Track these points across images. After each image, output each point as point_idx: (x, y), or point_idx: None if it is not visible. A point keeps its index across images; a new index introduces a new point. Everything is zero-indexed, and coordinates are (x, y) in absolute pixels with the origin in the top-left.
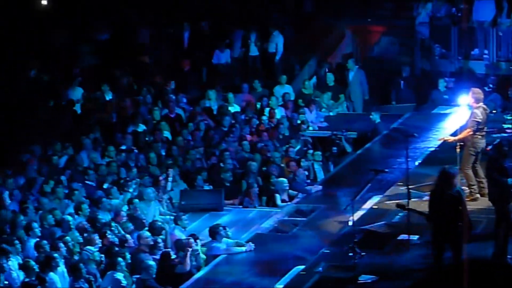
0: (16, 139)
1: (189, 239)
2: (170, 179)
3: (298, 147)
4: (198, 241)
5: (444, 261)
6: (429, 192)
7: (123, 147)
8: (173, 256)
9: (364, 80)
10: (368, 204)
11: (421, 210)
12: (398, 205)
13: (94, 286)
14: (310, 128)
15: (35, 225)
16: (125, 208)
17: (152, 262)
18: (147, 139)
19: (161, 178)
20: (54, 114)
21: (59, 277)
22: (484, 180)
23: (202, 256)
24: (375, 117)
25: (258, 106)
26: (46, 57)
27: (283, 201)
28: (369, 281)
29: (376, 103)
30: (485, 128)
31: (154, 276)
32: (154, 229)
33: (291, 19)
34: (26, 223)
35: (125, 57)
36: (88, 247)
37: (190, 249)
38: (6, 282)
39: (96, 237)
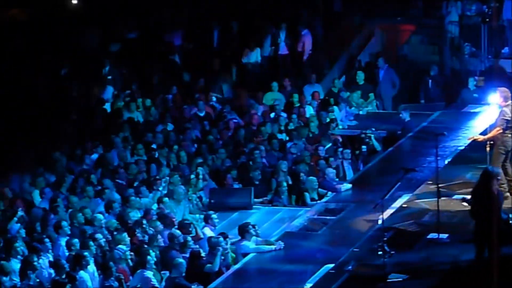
0: (46, 138)
1: (218, 237)
2: (200, 177)
3: (328, 145)
4: (227, 239)
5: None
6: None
7: (153, 146)
8: (203, 255)
9: (393, 78)
10: (398, 203)
11: (451, 209)
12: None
13: (124, 284)
14: (340, 126)
15: (65, 223)
16: (155, 206)
17: (182, 260)
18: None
19: (191, 176)
20: (84, 113)
21: (89, 275)
22: None
23: (231, 254)
24: (405, 115)
25: (288, 104)
26: (77, 56)
27: (312, 199)
28: (398, 280)
29: (405, 102)
30: None
31: (184, 274)
32: (184, 228)
33: (321, 17)
34: (55, 221)
35: (155, 56)
36: (120, 246)
37: (220, 249)
38: (38, 280)
39: (125, 235)
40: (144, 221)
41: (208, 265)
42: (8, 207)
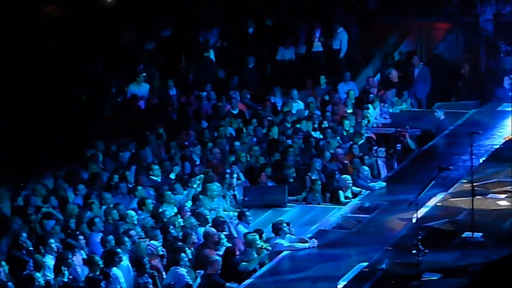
0: (80, 134)
1: (254, 235)
2: (234, 175)
3: (362, 143)
4: (263, 235)
5: None
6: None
7: (187, 143)
8: (237, 253)
9: (428, 77)
10: (432, 201)
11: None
12: None
13: (157, 281)
14: (374, 125)
15: (98, 220)
16: (189, 203)
17: (217, 257)
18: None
19: (225, 174)
20: (118, 109)
21: (123, 271)
22: None
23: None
24: (440, 114)
25: (322, 102)
26: (112, 53)
27: (346, 197)
28: (432, 278)
29: (440, 100)
30: None
31: (219, 271)
32: (218, 225)
33: (356, 15)
34: (89, 218)
35: (190, 54)
36: (152, 242)
37: (256, 248)
38: (71, 277)
39: (158, 232)
40: (178, 218)
41: (244, 263)
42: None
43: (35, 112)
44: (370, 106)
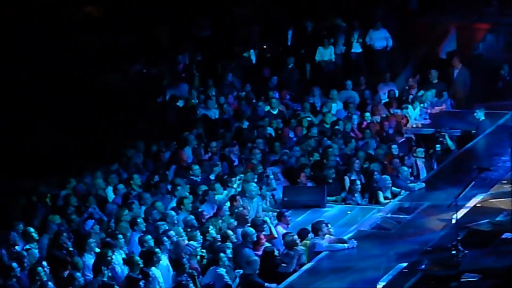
0: (120, 134)
1: (293, 235)
2: (271, 176)
3: (401, 143)
4: (309, 235)
5: None
6: None
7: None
8: (276, 253)
9: (468, 77)
10: (472, 202)
11: None
12: None
13: (197, 281)
14: (413, 125)
15: (140, 220)
16: (228, 204)
17: (256, 258)
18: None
19: (264, 174)
20: (158, 109)
21: (163, 271)
22: None
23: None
24: (479, 114)
25: (361, 103)
26: (151, 53)
27: (385, 198)
28: (472, 279)
29: (479, 101)
30: None
31: (257, 271)
32: (257, 225)
33: (396, 16)
34: (131, 218)
35: (229, 53)
36: (191, 242)
37: (298, 251)
38: (111, 276)
39: (197, 232)
40: (218, 219)
41: (283, 265)
42: (81, 203)
43: (76, 112)
44: (409, 106)
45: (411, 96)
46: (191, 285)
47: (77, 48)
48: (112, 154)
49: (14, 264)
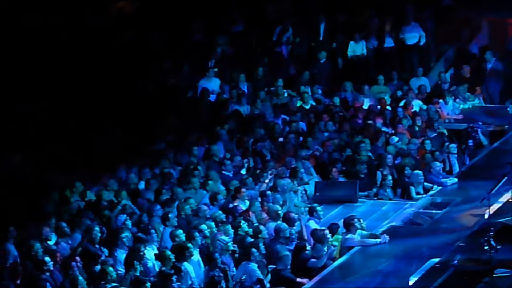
0: (152, 129)
1: (324, 230)
2: (301, 170)
3: (434, 138)
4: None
5: None
6: None
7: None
8: (308, 248)
9: (501, 72)
10: (504, 198)
11: None
12: None
13: (229, 275)
14: (446, 120)
15: (172, 215)
16: (260, 199)
17: (287, 253)
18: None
19: (296, 169)
20: (190, 104)
21: (194, 266)
22: None
23: (337, 247)
24: None
25: (394, 97)
26: (183, 48)
27: (418, 193)
28: (504, 275)
29: None
30: None
31: (289, 267)
32: (289, 220)
33: (429, 10)
34: (163, 213)
35: (261, 48)
36: (222, 237)
37: (328, 245)
38: (143, 270)
39: (229, 227)
40: (250, 213)
41: (313, 260)
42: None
43: (108, 108)
44: (442, 101)
45: (443, 91)
46: (222, 281)
47: (107, 45)
48: (145, 149)
49: (47, 258)
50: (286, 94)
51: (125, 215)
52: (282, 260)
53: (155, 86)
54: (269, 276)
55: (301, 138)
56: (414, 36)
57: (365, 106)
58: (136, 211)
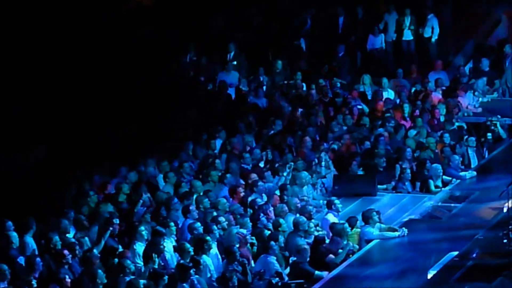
0: (171, 122)
1: (343, 224)
2: (323, 163)
3: (453, 132)
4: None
5: None
6: None
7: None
8: (327, 241)
9: None
10: None
11: None
12: None
13: (247, 269)
14: (465, 113)
15: (193, 208)
16: (278, 192)
17: (306, 246)
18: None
19: (314, 162)
20: (209, 97)
21: (212, 259)
22: None
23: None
24: None
25: (413, 91)
26: (202, 41)
27: (436, 186)
28: None
29: None
30: None
31: (308, 259)
32: (307, 213)
33: (447, 3)
34: (183, 206)
35: (280, 42)
36: (241, 230)
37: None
38: (162, 264)
39: (247, 220)
40: (269, 207)
41: (331, 256)
42: (133, 191)
43: (127, 101)
44: (461, 95)
45: (462, 85)
46: (240, 273)
47: (126, 38)
48: (164, 143)
49: (66, 252)
50: (304, 88)
51: (143, 208)
52: (301, 253)
53: (174, 79)
54: (287, 269)
55: (319, 132)
56: (433, 29)
57: (384, 100)
58: (154, 204)
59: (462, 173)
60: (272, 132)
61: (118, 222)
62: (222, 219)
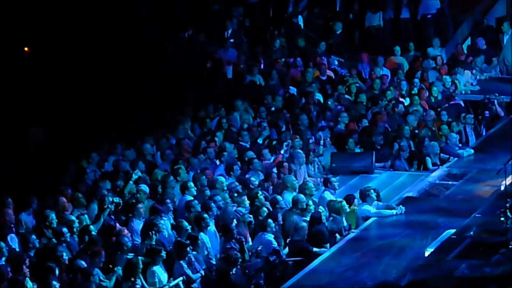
0: (169, 100)
1: (341, 201)
2: (321, 142)
3: (450, 110)
4: (356, 201)
5: None
6: None
7: (273, 109)
8: (323, 219)
9: None
10: None
11: None
12: None
13: (245, 247)
14: (463, 91)
15: (191, 184)
16: (275, 169)
17: (304, 224)
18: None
19: (311, 141)
20: (207, 75)
21: (210, 236)
22: None
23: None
24: None
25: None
26: (201, 19)
27: (434, 164)
28: None
29: None
30: None
31: (306, 237)
32: (305, 191)
33: None
34: (182, 183)
35: (278, 19)
36: (239, 208)
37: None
38: (159, 241)
39: (245, 198)
40: (266, 184)
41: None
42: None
43: (126, 79)
44: (458, 72)
45: (460, 62)
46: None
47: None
48: (162, 120)
49: (64, 229)
50: (302, 65)
51: (141, 186)
52: (298, 231)
53: (172, 57)
54: (285, 248)
55: (317, 109)
56: (431, 7)
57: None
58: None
59: (459, 151)
60: (269, 110)
61: (116, 200)
62: (218, 197)
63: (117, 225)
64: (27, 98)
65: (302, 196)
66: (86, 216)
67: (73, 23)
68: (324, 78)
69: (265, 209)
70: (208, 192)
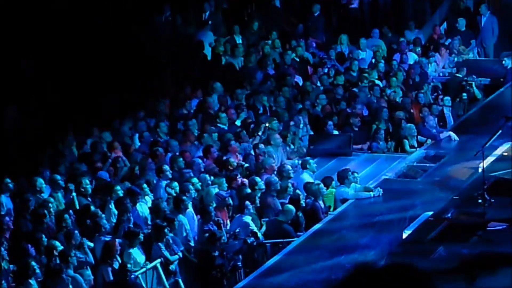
0: (147, 83)
1: (319, 184)
2: (301, 125)
3: (428, 92)
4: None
5: None
6: None
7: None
8: (302, 201)
9: (496, 25)
10: (499, 151)
11: None
12: None
13: (223, 229)
14: (440, 73)
15: (166, 167)
16: (253, 152)
17: (291, 207)
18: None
19: (291, 123)
20: (184, 58)
21: (188, 218)
22: None
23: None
24: (507, 62)
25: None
26: (177, 0)
27: (411, 146)
28: (498, 228)
29: (507, 49)
30: None
31: (289, 221)
32: (282, 173)
33: None
34: (157, 166)
35: (255, 1)
36: (221, 191)
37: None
38: (136, 223)
39: (223, 180)
40: (245, 166)
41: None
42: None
43: (103, 62)
44: (436, 54)
45: (438, 44)
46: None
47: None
48: (139, 102)
49: (45, 211)
50: (280, 47)
51: (119, 167)
52: (285, 214)
53: (149, 39)
54: (263, 229)
55: (295, 91)
56: None
57: (360, 60)
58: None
59: (437, 133)
60: (247, 92)
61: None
62: (195, 179)
63: (92, 207)
64: (2, 78)
65: (275, 178)
66: (60, 194)
67: None
68: (300, 60)
69: (243, 190)
70: (187, 175)
